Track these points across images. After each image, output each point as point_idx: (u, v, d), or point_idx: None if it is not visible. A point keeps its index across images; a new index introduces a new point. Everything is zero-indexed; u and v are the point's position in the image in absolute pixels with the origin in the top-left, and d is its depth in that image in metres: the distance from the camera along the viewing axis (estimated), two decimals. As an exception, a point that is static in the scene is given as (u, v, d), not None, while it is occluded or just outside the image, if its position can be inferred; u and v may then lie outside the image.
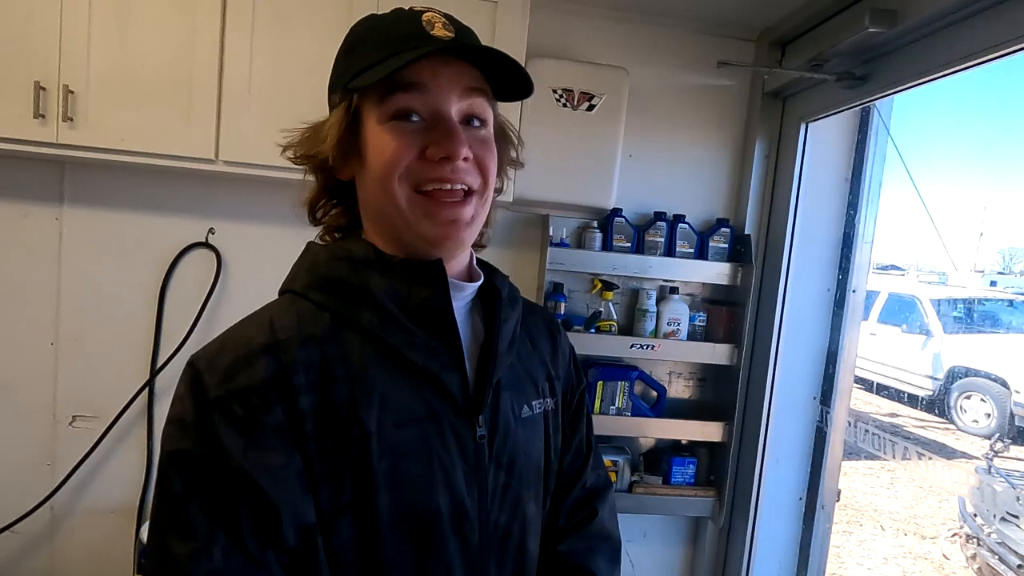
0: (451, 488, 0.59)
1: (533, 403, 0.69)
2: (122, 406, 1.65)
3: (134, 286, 1.66)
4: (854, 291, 1.81)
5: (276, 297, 0.64)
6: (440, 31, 0.59)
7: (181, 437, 0.54)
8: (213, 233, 1.68)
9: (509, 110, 1.47)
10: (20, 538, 1.65)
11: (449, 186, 0.58)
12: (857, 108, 1.65)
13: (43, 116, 1.33)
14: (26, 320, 1.63)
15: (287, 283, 0.64)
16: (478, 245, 0.71)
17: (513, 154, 0.69)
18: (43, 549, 1.68)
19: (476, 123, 0.60)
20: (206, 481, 0.52)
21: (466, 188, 0.59)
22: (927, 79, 1.29)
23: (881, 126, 1.76)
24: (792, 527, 1.86)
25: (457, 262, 0.64)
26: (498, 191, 0.70)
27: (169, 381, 1.68)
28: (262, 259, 1.68)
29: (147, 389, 1.67)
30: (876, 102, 1.54)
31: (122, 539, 1.67)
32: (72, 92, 1.34)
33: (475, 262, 0.69)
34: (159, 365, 1.67)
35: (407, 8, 0.62)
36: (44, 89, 1.32)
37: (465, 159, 0.58)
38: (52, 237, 1.62)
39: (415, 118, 0.58)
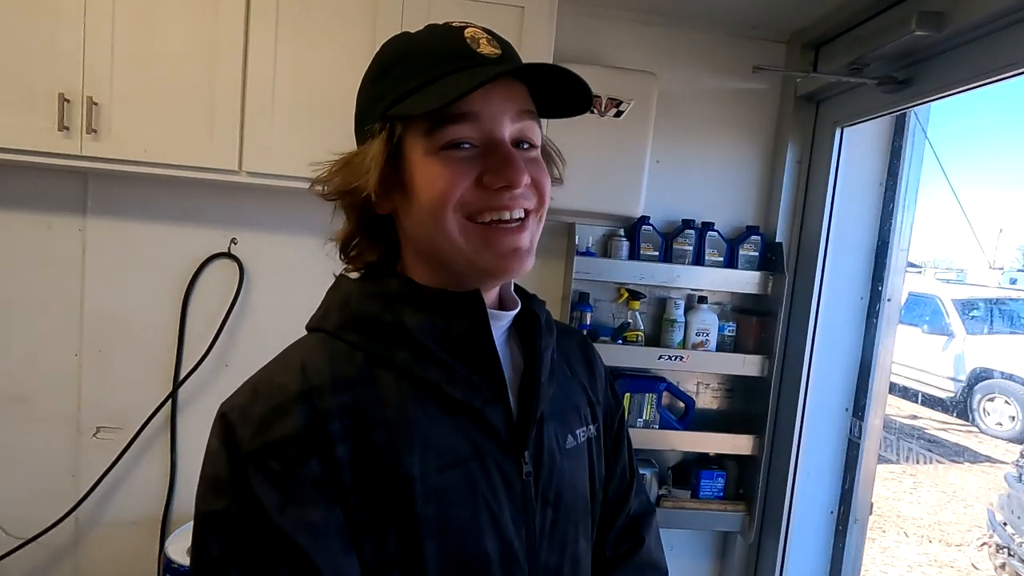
0: (499, 531, 0.56)
1: (577, 432, 0.65)
2: (146, 417, 1.64)
3: (157, 297, 1.65)
4: (889, 299, 1.76)
5: (300, 318, 0.61)
6: (486, 48, 0.55)
7: (215, 496, 0.51)
8: (236, 243, 1.66)
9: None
10: (45, 549, 1.65)
11: (508, 215, 0.55)
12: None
13: (67, 128, 1.32)
14: (50, 331, 1.62)
15: (317, 320, 0.60)
16: None
17: (556, 172, 0.65)
18: (68, 560, 1.68)
19: (526, 146, 0.57)
20: (243, 543, 0.49)
21: (524, 214, 0.56)
22: (974, 85, 1.24)
23: (919, 129, 1.71)
24: (824, 542, 1.81)
25: (493, 290, 0.61)
26: None
27: (192, 393, 1.67)
28: (285, 269, 1.67)
29: (170, 400, 1.66)
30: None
31: (146, 550, 1.67)
32: (96, 104, 1.32)
33: (511, 287, 0.65)
34: (182, 376, 1.65)
35: (443, 24, 0.57)
36: (68, 101, 1.31)
37: (525, 185, 0.55)
38: (76, 248, 1.62)
39: (467, 145, 0.54)
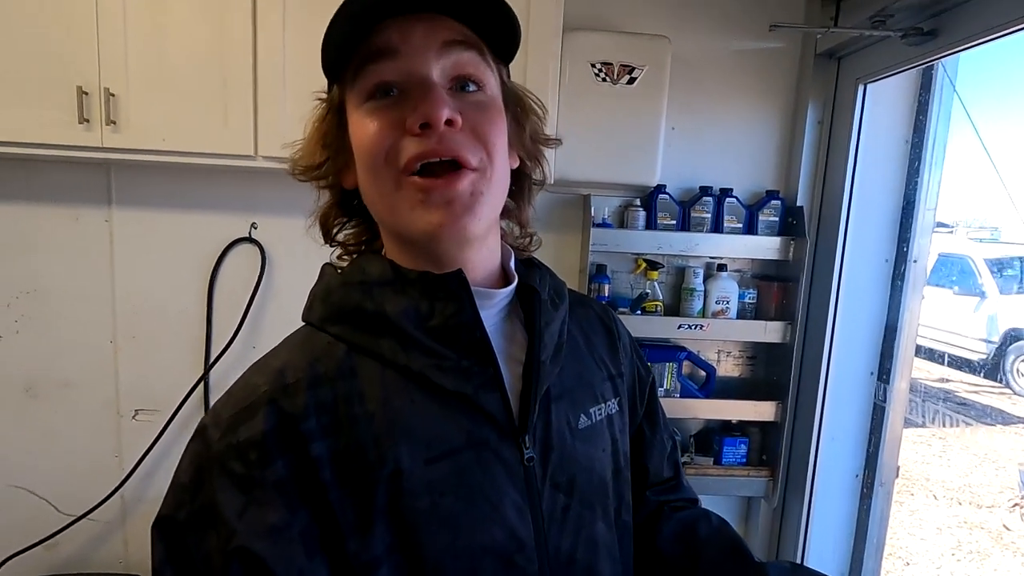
0: (500, 520, 0.52)
1: (591, 410, 0.61)
2: (180, 399, 1.70)
3: (183, 282, 1.70)
4: (915, 261, 1.72)
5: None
6: None
7: (171, 501, 0.50)
8: (256, 228, 1.69)
9: (546, 87, 1.42)
10: (96, 525, 1.74)
11: (438, 159, 0.48)
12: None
13: (87, 121, 1.35)
14: (85, 320, 1.68)
15: (305, 313, 0.58)
16: (523, 250, 0.63)
17: (535, 124, 0.58)
18: (116, 535, 1.78)
19: (471, 87, 0.51)
20: (188, 551, 0.48)
21: (460, 161, 0.49)
22: (1004, 32, 1.18)
23: (947, 82, 1.64)
24: (848, 506, 1.82)
25: (482, 265, 0.56)
26: (538, 183, 0.62)
27: (223, 374, 1.72)
28: (304, 251, 1.69)
29: (202, 382, 1.72)
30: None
31: (189, 525, 1.75)
32: (113, 95, 1.35)
33: (513, 260, 0.61)
34: (213, 358, 1.71)
35: None
36: (86, 94, 1.34)
37: (450, 122, 0.48)
38: (103, 238, 1.66)
39: (392, 91, 0.50)
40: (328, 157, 0.54)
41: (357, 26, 0.49)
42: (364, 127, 0.50)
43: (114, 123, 1.36)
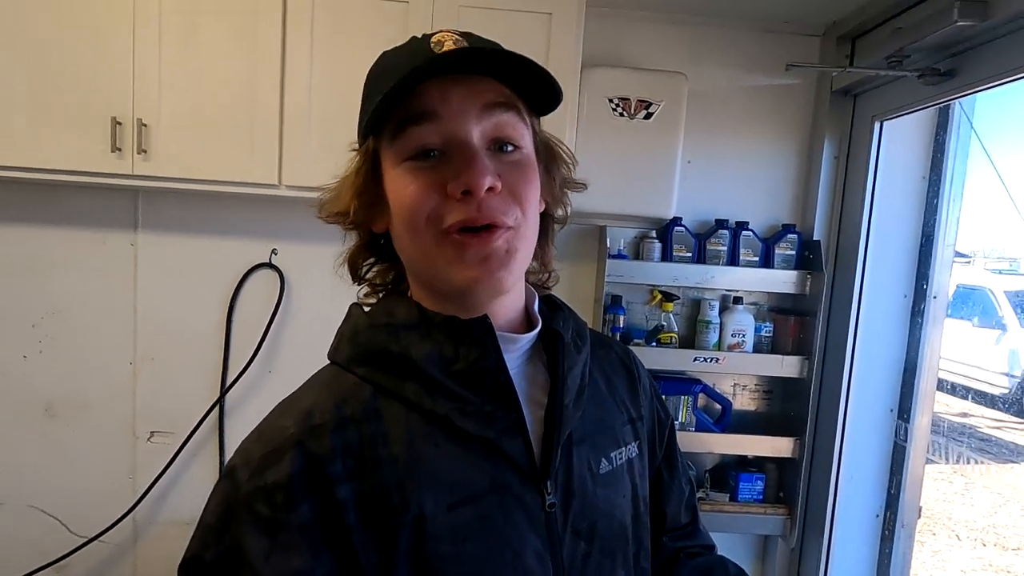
0: (522, 568, 0.52)
1: (612, 454, 0.60)
2: (195, 422, 1.71)
3: (204, 306, 1.72)
4: (935, 297, 1.70)
5: (337, 326, 0.60)
6: (450, 47, 0.50)
7: (198, 542, 0.50)
8: (276, 254, 1.72)
9: (564, 122, 1.44)
10: (107, 547, 1.75)
11: (478, 225, 0.50)
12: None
13: (119, 149, 1.39)
14: (107, 341, 1.71)
15: (332, 352, 0.58)
16: (543, 287, 0.63)
17: (564, 172, 0.60)
18: (127, 557, 1.77)
19: (508, 148, 0.52)
20: None
21: (497, 224, 0.51)
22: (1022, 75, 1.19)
23: (964, 120, 1.64)
24: (869, 547, 1.77)
25: (506, 310, 0.57)
26: (560, 221, 0.63)
27: (238, 398, 1.74)
28: (322, 277, 1.71)
29: (218, 406, 1.73)
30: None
31: (198, 549, 1.74)
32: (145, 125, 1.39)
33: (536, 302, 0.61)
34: (229, 382, 1.72)
35: (421, 36, 0.53)
36: (120, 124, 1.39)
37: (491, 190, 0.49)
38: (128, 262, 1.70)
39: (434, 153, 0.51)
40: (360, 206, 0.55)
41: (399, 89, 0.49)
42: (405, 187, 0.51)
43: (145, 152, 1.40)
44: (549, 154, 0.58)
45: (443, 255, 0.51)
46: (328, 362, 0.59)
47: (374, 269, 0.61)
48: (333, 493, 0.49)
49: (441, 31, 0.52)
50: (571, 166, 0.61)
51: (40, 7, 1.36)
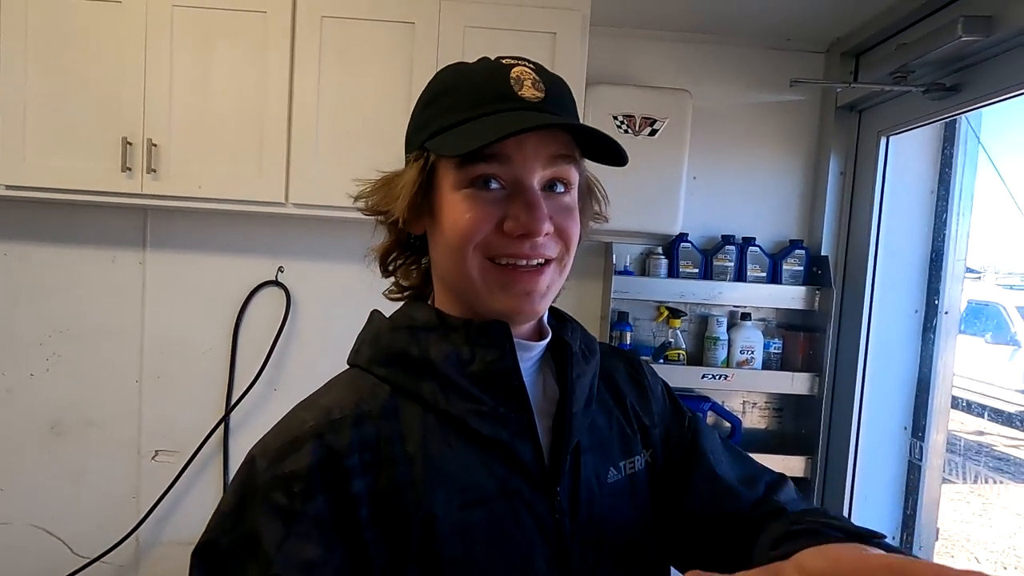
0: (530, 573, 0.53)
1: (621, 464, 0.61)
2: (200, 441, 1.70)
3: (210, 324, 1.73)
4: (946, 312, 1.68)
5: (344, 343, 0.62)
6: (529, 91, 0.54)
7: (214, 527, 0.51)
8: (282, 271, 1.72)
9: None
10: (109, 568, 1.73)
11: (526, 262, 0.54)
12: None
13: (130, 169, 1.41)
14: (113, 359, 1.72)
15: (352, 356, 0.61)
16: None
17: (598, 209, 0.64)
18: (129, 579, 1.75)
19: (559, 188, 0.56)
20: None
21: (544, 262, 0.55)
22: (1030, 87, 1.19)
23: (971, 134, 1.64)
24: (886, 569, 1.72)
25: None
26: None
27: (244, 417, 1.73)
28: (329, 295, 1.72)
29: (223, 424, 1.72)
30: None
31: (201, 571, 1.72)
32: (155, 145, 1.41)
33: (545, 315, 0.63)
34: (234, 401, 1.72)
35: (495, 59, 0.56)
36: (130, 144, 1.40)
37: (546, 234, 0.53)
38: (136, 280, 1.71)
39: (494, 185, 0.54)
40: (410, 210, 0.57)
41: (487, 136, 0.51)
42: (462, 212, 0.54)
43: (154, 171, 1.42)
44: (589, 193, 0.61)
45: (486, 282, 0.54)
46: (347, 367, 0.61)
47: (401, 265, 0.64)
48: (349, 487, 0.50)
49: (517, 63, 0.55)
50: (604, 205, 0.64)
51: (53, 29, 1.39)
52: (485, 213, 0.53)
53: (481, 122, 0.53)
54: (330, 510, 0.49)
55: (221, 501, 0.52)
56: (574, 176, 0.57)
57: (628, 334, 1.68)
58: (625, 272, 1.69)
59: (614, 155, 0.56)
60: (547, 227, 0.53)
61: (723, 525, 0.62)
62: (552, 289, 0.56)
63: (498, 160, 0.53)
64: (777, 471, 0.69)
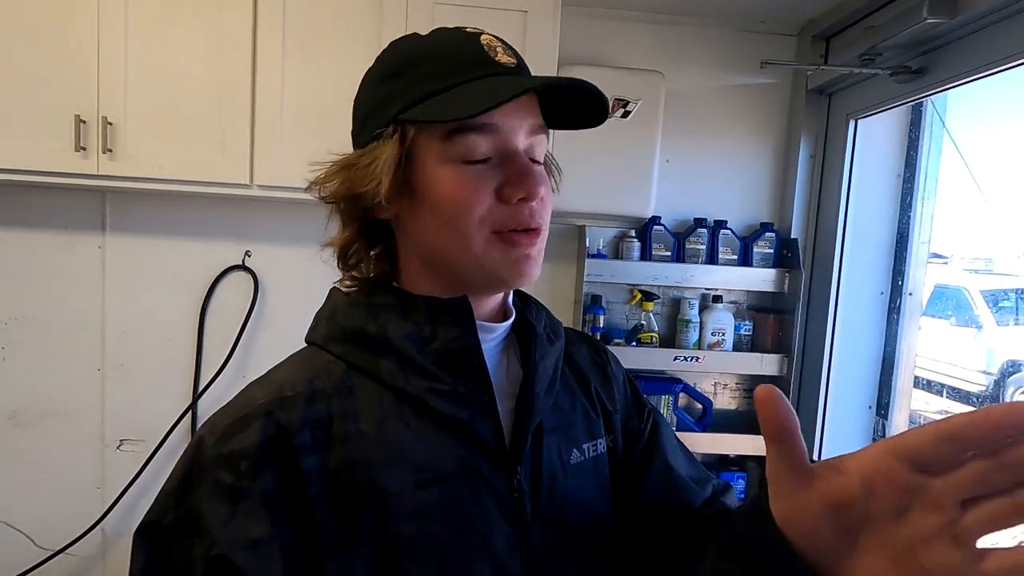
0: (490, 553, 0.52)
1: (584, 446, 0.61)
2: (167, 429, 1.67)
3: (175, 310, 1.68)
4: (910, 293, 1.71)
5: (308, 328, 0.60)
6: (503, 57, 0.53)
7: (158, 506, 0.50)
8: (249, 256, 1.68)
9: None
10: (75, 560, 1.69)
11: (526, 228, 0.54)
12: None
13: (84, 149, 1.35)
14: (74, 347, 1.66)
15: (309, 333, 0.59)
16: None
17: (554, 184, 0.63)
18: (95, 570, 1.72)
19: (536, 157, 0.56)
20: (171, 558, 0.48)
21: (542, 226, 0.55)
22: (991, 71, 1.21)
23: (936, 118, 1.66)
24: (850, 543, 1.77)
25: (488, 300, 0.59)
26: None
27: (211, 404, 1.69)
28: (297, 279, 1.68)
29: (190, 412, 1.68)
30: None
31: (171, 560, 1.69)
32: (111, 124, 1.35)
33: (510, 298, 0.62)
34: (201, 388, 1.68)
35: (454, 28, 0.54)
36: (84, 122, 1.34)
37: (541, 199, 0.54)
38: (96, 265, 1.65)
39: (483, 152, 0.53)
40: (375, 188, 0.53)
41: (479, 107, 0.49)
42: (454, 186, 0.53)
43: (111, 151, 1.36)
44: (548, 167, 0.61)
45: (490, 253, 0.54)
46: (304, 345, 0.59)
47: (364, 257, 0.60)
48: (298, 464, 0.49)
49: (483, 32, 0.55)
50: (559, 177, 0.63)
51: (-1, 2, 1.32)
52: (480, 184, 0.52)
53: (467, 87, 0.51)
54: (279, 488, 0.48)
55: (167, 481, 0.51)
56: (543, 150, 0.57)
57: (601, 317, 1.69)
58: (598, 255, 1.69)
59: (587, 117, 0.57)
60: (543, 189, 0.54)
61: (672, 517, 0.64)
62: (542, 256, 0.57)
63: (487, 131, 0.52)
64: (724, 480, 0.72)
